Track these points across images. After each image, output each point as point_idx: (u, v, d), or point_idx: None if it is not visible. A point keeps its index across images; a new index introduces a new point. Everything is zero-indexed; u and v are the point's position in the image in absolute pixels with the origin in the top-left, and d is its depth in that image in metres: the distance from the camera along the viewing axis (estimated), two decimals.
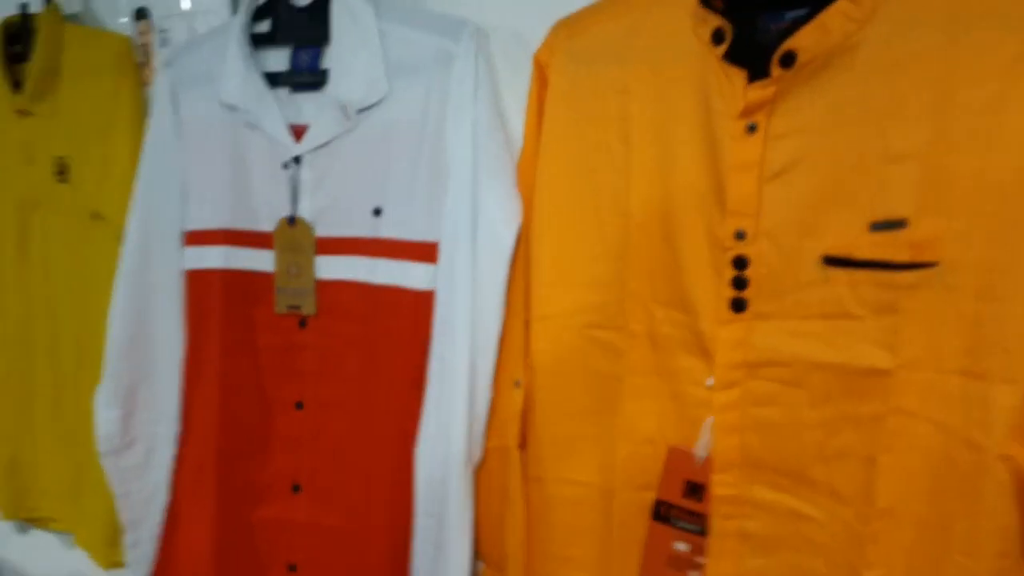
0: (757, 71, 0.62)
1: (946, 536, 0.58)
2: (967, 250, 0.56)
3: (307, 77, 0.90)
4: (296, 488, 0.96)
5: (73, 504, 1.21)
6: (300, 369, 0.94)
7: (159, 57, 1.06)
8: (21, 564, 1.45)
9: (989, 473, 0.55)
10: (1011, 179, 0.54)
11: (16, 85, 1.16)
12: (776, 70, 0.60)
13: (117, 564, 1.14)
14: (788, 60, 0.60)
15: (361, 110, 0.86)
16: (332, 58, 0.86)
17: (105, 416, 1.03)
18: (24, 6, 1.17)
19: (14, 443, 1.28)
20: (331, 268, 0.90)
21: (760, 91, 0.62)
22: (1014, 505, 0.55)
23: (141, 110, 1.05)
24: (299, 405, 0.95)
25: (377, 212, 0.87)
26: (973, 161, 0.55)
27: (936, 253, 0.57)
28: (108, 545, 1.14)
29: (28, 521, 1.34)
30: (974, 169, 0.55)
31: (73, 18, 1.17)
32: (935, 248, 0.57)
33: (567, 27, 0.75)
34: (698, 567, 0.69)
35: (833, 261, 0.61)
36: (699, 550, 0.69)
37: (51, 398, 1.20)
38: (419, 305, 0.84)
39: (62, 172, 1.13)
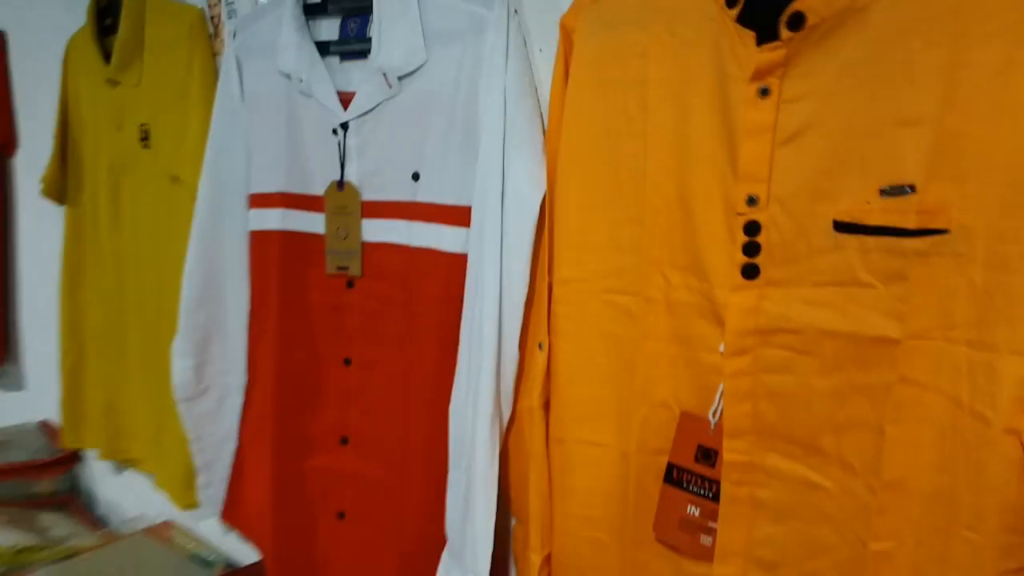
0: (771, 34, 0.60)
1: (953, 510, 0.56)
2: (978, 218, 0.54)
3: (355, 45, 0.94)
4: (344, 440, 1.02)
5: (156, 448, 1.32)
6: (348, 327, 0.99)
7: (227, 27, 1.12)
8: (116, 502, 1.59)
9: (995, 446, 0.53)
10: (1020, 145, 0.51)
11: (107, 57, 1.25)
12: (785, 32, 0.59)
13: (191, 505, 1.24)
14: (797, 22, 0.58)
15: (401, 77, 0.89)
16: (375, 27, 0.89)
17: (180, 365, 1.12)
18: None
19: (111, 389, 1.40)
20: (375, 231, 0.94)
21: (770, 54, 0.60)
22: (1021, 480, 0.53)
23: (212, 79, 1.12)
24: (347, 362, 1.00)
25: (415, 177, 0.90)
26: (984, 126, 0.53)
27: (946, 220, 0.55)
28: (184, 488, 1.24)
29: (121, 462, 1.47)
30: (985, 134, 0.53)
31: None
32: (945, 215, 0.55)
33: None
34: (710, 531, 0.70)
35: (844, 227, 0.59)
36: (711, 515, 0.69)
37: (139, 348, 1.31)
38: (453, 267, 0.86)
39: (145, 138, 1.22)
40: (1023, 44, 0.51)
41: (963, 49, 0.54)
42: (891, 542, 0.60)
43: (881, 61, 0.57)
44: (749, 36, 0.62)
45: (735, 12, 0.63)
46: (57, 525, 1.44)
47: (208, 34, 1.15)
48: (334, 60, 0.95)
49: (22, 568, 1.21)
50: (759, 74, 0.62)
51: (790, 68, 0.61)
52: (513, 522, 0.90)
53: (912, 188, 0.56)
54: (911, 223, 0.56)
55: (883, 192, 0.57)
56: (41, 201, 1.47)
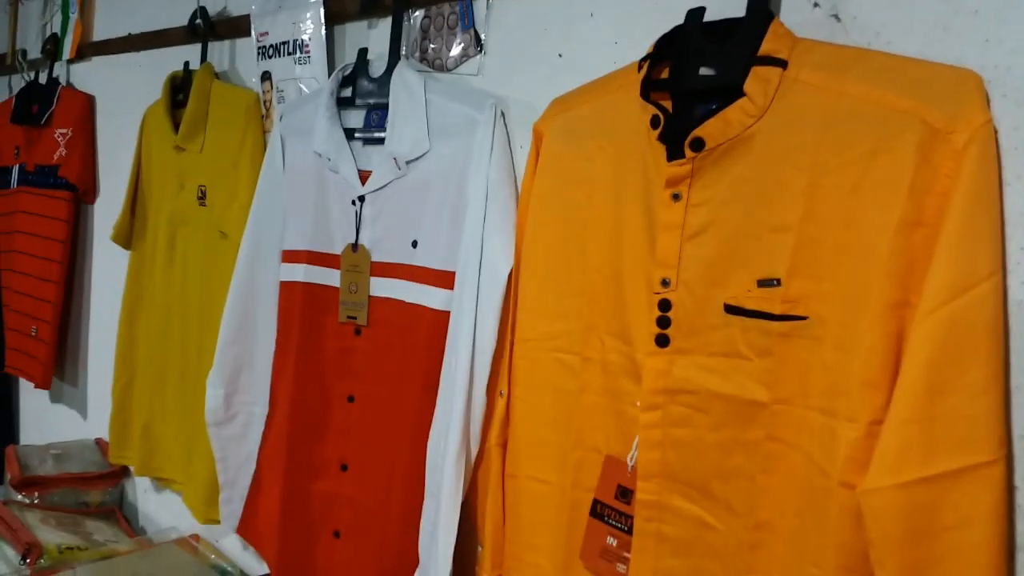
0: (680, 152, 0.75)
1: (804, 548, 0.68)
2: (829, 309, 0.67)
3: (375, 133, 1.12)
4: (344, 467, 1.16)
5: (185, 469, 1.48)
6: (353, 369, 1.15)
7: (276, 111, 1.32)
8: (155, 515, 1.76)
9: (834, 497, 0.65)
10: (862, 254, 0.64)
11: (176, 126, 1.46)
12: (688, 152, 0.74)
13: (211, 520, 1.39)
14: (697, 145, 0.73)
15: (409, 161, 1.06)
16: (390, 120, 1.07)
17: (213, 393, 1.29)
18: (187, 63, 1.47)
19: (149, 413, 1.58)
20: (380, 288, 1.11)
21: (678, 168, 0.75)
22: (853, 525, 0.64)
23: (260, 152, 1.31)
24: (351, 399, 1.15)
25: (414, 244, 1.06)
26: (835, 235, 0.66)
27: (805, 309, 0.68)
28: (206, 505, 1.40)
29: (155, 479, 1.64)
30: (836, 242, 0.66)
31: (222, 75, 1.46)
32: (804, 304, 0.68)
33: (558, 105, 0.91)
34: (624, 560, 0.82)
35: (731, 309, 0.73)
36: (626, 546, 0.82)
37: (179, 380, 1.49)
38: (438, 323, 1.02)
39: (202, 197, 1.42)
40: (868, 176, 0.65)
41: (822, 174, 0.68)
42: (761, 575, 0.71)
43: (761, 179, 0.71)
44: (662, 152, 0.76)
45: (657, 132, 0.78)
46: (100, 531, 1.61)
47: (261, 115, 1.35)
48: (357, 144, 1.13)
49: (65, 564, 1.37)
50: (671, 183, 0.76)
51: (696, 179, 0.75)
52: (479, 549, 1.03)
53: (778, 282, 0.70)
54: (777, 310, 0.70)
55: (759, 283, 0.71)
56: (112, 245, 1.68)
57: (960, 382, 0.59)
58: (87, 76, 1.94)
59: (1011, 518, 0.60)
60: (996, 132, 0.60)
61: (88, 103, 1.89)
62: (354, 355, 1.15)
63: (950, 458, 0.59)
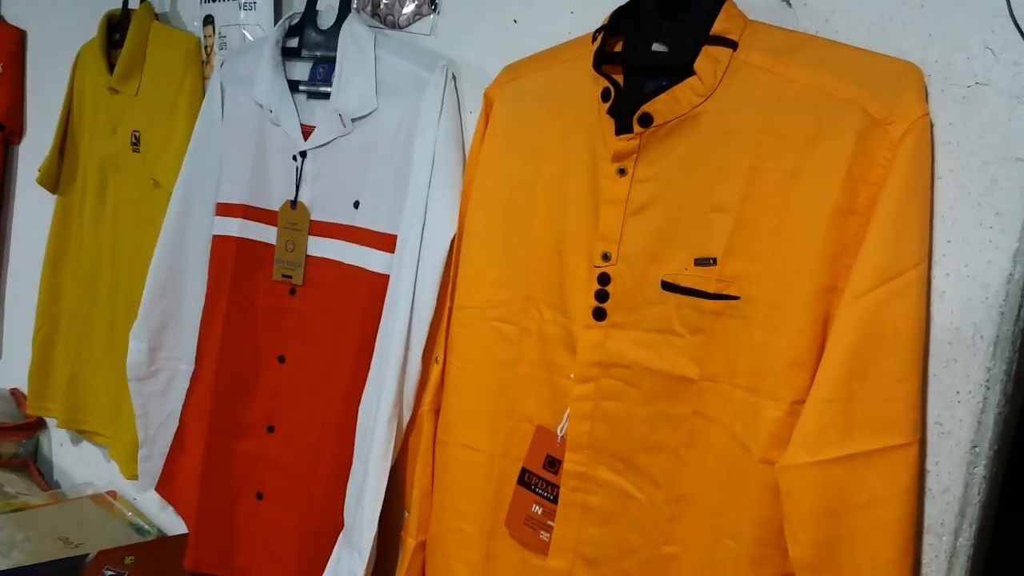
0: (628, 127, 0.75)
1: (721, 523, 0.70)
2: (761, 290, 0.68)
3: (320, 87, 1.09)
4: (271, 429, 1.14)
5: (112, 421, 1.44)
6: (286, 329, 1.12)
7: (217, 57, 1.27)
8: (70, 470, 1.70)
9: (753, 473, 0.67)
10: (796, 238, 0.66)
11: (111, 67, 1.40)
12: (636, 127, 0.74)
13: (135, 476, 1.35)
14: (646, 120, 0.73)
15: (355, 119, 1.03)
16: (337, 74, 1.04)
17: (136, 347, 1.25)
18: (126, 2, 1.41)
19: (75, 364, 1.53)
20: (318, 248, 1.08)
21: (625, 143, 0.75)
22: (771, 501, 0.66)
23: (198, 99, 1.27)
24: (281, 359, 1.13)
25: (356, 205, 1.04)
26: (771, 218, 0.67)
27: (737, 288, 0.69)
28: (131, 460, 1.36)
29: (78, 432, 1.59)
30: (772, 225, 0.67)
31: (161, 16, 1.40)
32: (738, 284, 0.69)
33: (510, 71, 0.90)
34: (548, 529, 0.83)
35: (668, 286, 0.74)
36: (551, 515, 0.82)
37: (107, 331, 1.44)
38: (376, 286, 1.00)
39: (136, 143, 1.37)
40: (807, 161, 0.66)
41: (762, 158, 0.68)
42: (678, 547, 0.73)
43: (705, 159, 0.72)
44: (611, 126, 0.76)
45: (607, 106, 0.77)
46: (12, 483, 1.55)
47: (201, 60, 1.30)
48: (301, 97, 1.10)
49: None
50: (617, 157, 0.76)
51: (642, 155, 0.75)
52: (405, 515, 1.03)
53: (715, 261, 0.70)
54: (711, 288, 0.70)
55: (696, 262, 0.72)
56: (36, 189, 1.60)
57: (881, 366, 0.61)
58: (19, 9, 1.84)
59: (921, 500, 0.63)
60: (932, 126, 0.62)
61: (19, 37, 1.80)
62: (287, 315, 1.12)
63: (866, 439, 0.61)
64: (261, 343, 1.15)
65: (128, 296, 1.38)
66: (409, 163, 0.98)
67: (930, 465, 0.63)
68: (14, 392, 1.83)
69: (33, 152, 1.76)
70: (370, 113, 1.02)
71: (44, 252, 1.60)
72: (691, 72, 0.72)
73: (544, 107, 0.85)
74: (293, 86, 1.10)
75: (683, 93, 0.72)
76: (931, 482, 0.63)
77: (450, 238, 0.93)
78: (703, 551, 0.71)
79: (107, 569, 1.18)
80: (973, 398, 0.61)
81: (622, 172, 0.77)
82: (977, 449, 0.61)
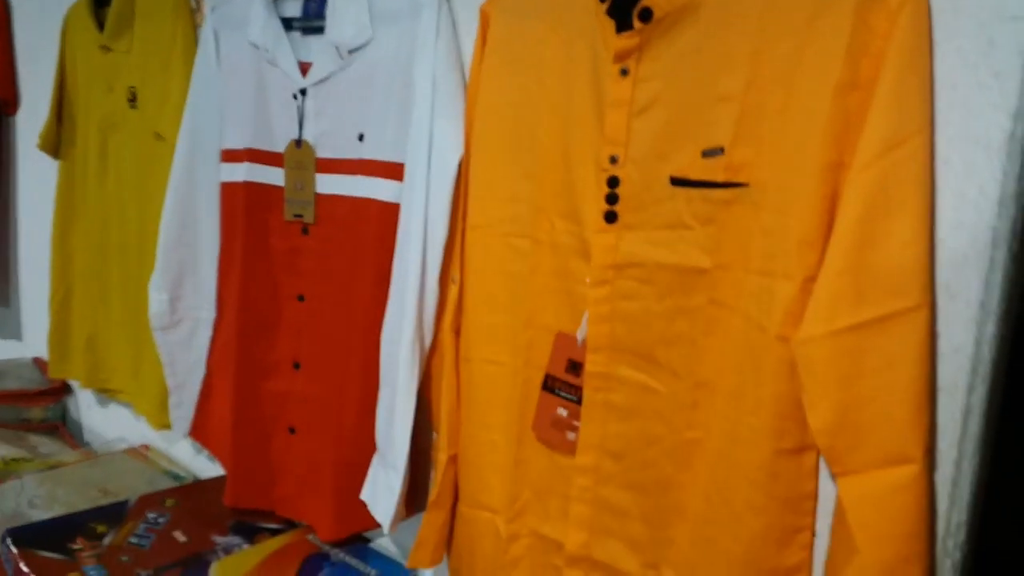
0: (628, 25, 0.76)
1: (742, 402, 0.72)
2: (769, 174, 0.69)
3: (314, 22, 1.09)
4: (296, 365, 1.17)
5: (133, 377, 1.47)
6: (302, 268, 1.15)
7: (207, 2, 1.27)
8: (101, 430, 1.75)
9: (770, 350, 0.69)
10: (801, 119, 0.67)
11: (101, 26, 1.40)
12: (637, 23, 0.74)
13: (166, 426, 1.39)
14: (645, 15, 0.74)
15: (351, 51, 1.04)
16: (329, 7, 1.04)
17: (157, 298, 1.27)
18: None
19: (92, 324, 1.56)
20: (326, 184, 1.10)
21: (626, 40, 0.76)
22: (788, 376, 0.68)
23: (192, 48, 1.27)
24: (300, 298, 1.15)
25: (360, 137, 1.05)
26: (776, 100, 0.68)
27: (747, 176, 0.71)
28: (159, 410, 1.40)
29: (101, 391, 1.62)
30: (777, 108, 0.68)
31: None
32: (746, 171, 0.71)
33: None
34: (574, 429, 0.86)
35: (677, 181, 0.75)
36: (575, 415, 0.85)
37: (120, 287, 1.47)
38: (387, 215, 1.02)
39: (133, 99, 1.37)
40: (809, 41, 0.66)
41: (765, 41, 0.69)
42: (700, 431, 0.76)
43: (707, 49, 0.72)
44: (610, 25, 0.77)
45: (605, 6, 0.78)
46: (45, 444, 1.59)
47: (191, 8, 1.30)
48: (296, 34, 1.10)
49: (11, 475, 1.36)
50: (619, 57, 0.77)
51: (644, 53, 0.76)
52: (434, 436, 1.06)
53: (722, 150, 0.72)
54: (720, 177, 0.72)
55: (704, 153, 0.73)
56: (38, 156, 1.61)
57: (889, 234, 0.62)
58: None
59: (934, 363, 0.65)
60: None
61: (3, 6, 1.78)
62: (302, 254, 1.14)
63: (878, 305, 0.63)
64: (279, 284, 1.17)
65: (138, 252, 1.40)
66: (410, 90, 0.98)
67: (941, 328, 0.64)
68: (36, 360, 1.87)
69: (31, 121, 1.76)
70: (366, 43, 1.03)
71: (52, 218, 1.61)
72: None
73: (541, 19, 0.86)
74: (287, 24, 1.10)
75: None
76: (942, 344, 0.65)
77: (457, 160, 0.94)
78: (725, 432, 0.74)
79: (149, 512, 1.22)
80: (980, 259, 0.62)
81: (624, 72, 0.77)
82: (987, 307, 0.63)
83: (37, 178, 1.75)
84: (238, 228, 1.18)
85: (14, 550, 1.08)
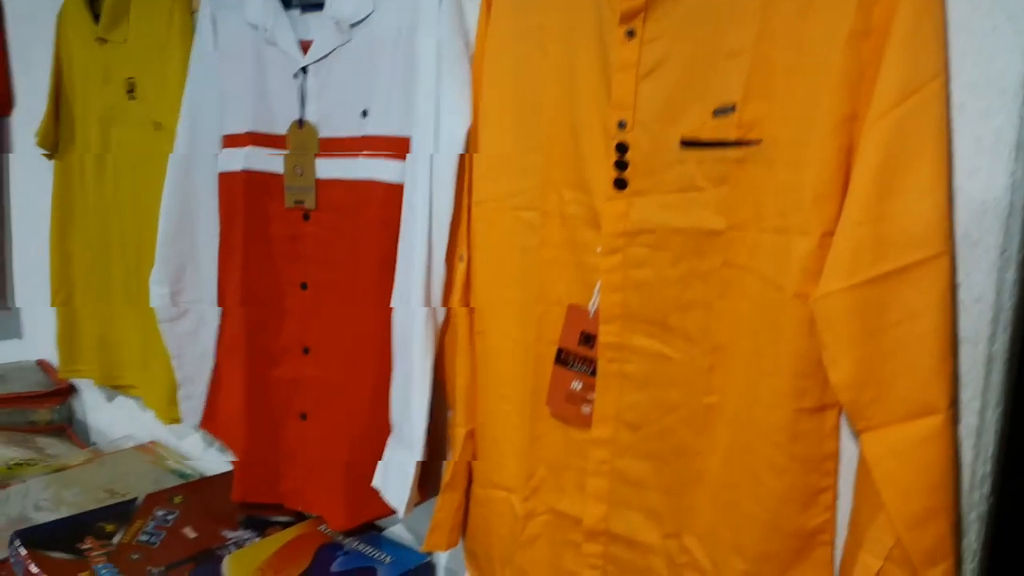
0: None
1: (760, 363, 0.71)
2: (782, 129, 0.68)
3: None
4: (306, 351, 1.16)
5: (143, 371, 1.46)
6: (304, 255, 1.13)
7: None
8: (108, 430, 1.73)
9: (789, 309, 0.68)
10: (814, 70, 0.66)
11: (96, 18, 1.38)
12: None
13: (174, 420, 1.38)
14: None
15: (352, 25, 1.02)
16: None
17: (156, 292, 1.26)
18: None
19: (100, 323, 1.54)
20: (326, 169, 1.09)
21: (632, 1, 0.75)
22: (806, 333, 0.67)
23: (190, 34, 1.25)
24: (304, 286, 1.14)
25: (364, 113, 1.04)
26: (787, 54, 0.67)
27: (759, 132, 0.70)
28: (167, 404, 1.38)
29: (114, 388, 1.61)
30: (788, 62, 0.67)
31: None
32: (758, 128, 0.70)
33: None
34: (589, 402, 0.85)
35: (687, 143, 0.74)
36: (590, 388, 0.84)
37: (124, 284, 1.46)
38: (390, 197, 1.00)
39: (131, 90, 1.36)
40: None
41: None
42: (718, 395, 0.75)
43: (714, 5, 0.71)
44: None
45: None
46: (52, 446, 1.58)
47: None
48: (295, 12, 1.09)
49: (16, 479, 1.35)
50: (625, 18, 0.76)
51: (650, 13, 0.75)
52: (449, 413, 1.04)
53: (734, 107, 0.71)
54: (732, 136, 0.71)
55: (715, 113, 0.72)
56: (32, 157, 1.60)
57: (907, 183, 0.61)
58: None
59: (955, 313, 0.64)
60: None
61: None
62: (303, 241, 1.13)
63: (898, 256, 0.62)
64: (281, 272, 1.15)
65: (138, 246, 1.39)
66: (414, 61, 0.97)
67: (961, 277, 0.64)
68: (40, 363, 1.85)
69: (27, 121, 1.74)
70: (367, 16, 1.02)
71: (49, 218, 1.60)
72: None
73: None
74: (286, 2, 1.09)
75: None
76: (963, 294, 0.64)
77: (464, 131, 0.93)
78: (743, 394, 0.73)
79: (158, 509, 1.21)
80: (998, 205, 0.62)
81: (630, 34, 0.76)
82: (1007, 254, 0.62)
83: (31, 179, 1.74)
84: (238, 218, 1.17)
85: (23, 552, 1.07)
